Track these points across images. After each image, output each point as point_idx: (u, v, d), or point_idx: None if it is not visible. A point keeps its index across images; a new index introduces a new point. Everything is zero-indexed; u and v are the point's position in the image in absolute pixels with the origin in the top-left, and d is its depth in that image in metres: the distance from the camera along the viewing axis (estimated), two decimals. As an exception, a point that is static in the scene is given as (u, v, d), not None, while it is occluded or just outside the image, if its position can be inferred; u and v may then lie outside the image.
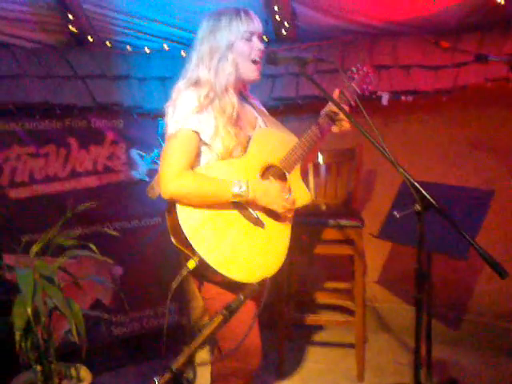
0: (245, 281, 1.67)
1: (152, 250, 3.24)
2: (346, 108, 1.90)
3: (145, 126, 3.23)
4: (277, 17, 2.89)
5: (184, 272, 1.65)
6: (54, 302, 2.06)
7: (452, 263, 3.04)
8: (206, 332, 1.13)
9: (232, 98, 1.80)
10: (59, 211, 3.03)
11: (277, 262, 1.78)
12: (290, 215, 1.84)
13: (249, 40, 1.82)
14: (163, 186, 1.68)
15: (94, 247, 2.41)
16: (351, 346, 3.12)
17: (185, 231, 1.65)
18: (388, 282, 3.38)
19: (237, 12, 1.82)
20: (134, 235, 3.18)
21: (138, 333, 3.17)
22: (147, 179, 3.22)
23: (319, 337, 3.33)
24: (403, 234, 2.56)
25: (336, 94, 1.95)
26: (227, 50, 1.79)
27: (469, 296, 3.19)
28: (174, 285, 1.64)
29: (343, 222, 2.68)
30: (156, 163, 3.24)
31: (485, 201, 2.24)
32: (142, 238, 3.19)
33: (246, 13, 1.84)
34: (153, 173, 3.22)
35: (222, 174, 1.74)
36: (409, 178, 1.46)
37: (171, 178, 1.68)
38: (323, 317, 3.24)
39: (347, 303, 3.18)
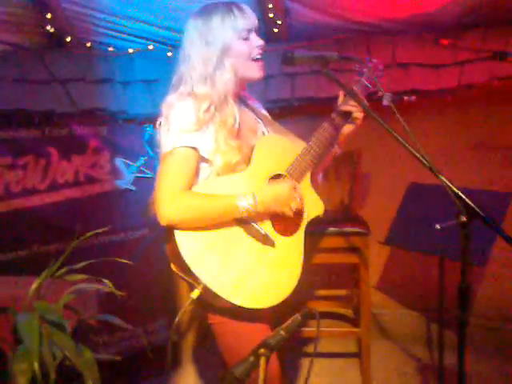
0: (256, 307, 1.52)
1: (140, 263, 3.05)
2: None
3: (130, 132, 3.05)
4: (270, 14, 2.75)
5: (188, 304, 1.50)
6: (64, 351, 1.71)
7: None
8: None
9: (232, 108, 1.62)
10: (38, 227, 2.85)
11: (290, 282, 1.61)
12: (301, 228, 1.68)
13: (246, 39, 1.62)
14: (160, 212, 1.48)
15: (109, 283, 2.13)
16: (353, 355, 3.02)
17: (186, 260, 1.47)
18: (387, 288, 3.28)
19: (229, 8, 1.60)
20: (120, 248, 2.97)
21: (127, 353, 2.97)
22: (133, 188, 3.04)
23: (319, 347, 3.18)
24: (412, 240, 2.49)
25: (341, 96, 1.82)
26: (223, 55, 1.59)
27: (476, 300, 3.12)
28: (177, 319, 1.50)
29: (348, 228, 2.55)
30: (142, 171, 3.06)
31: (503, 204, 2.16)
32: (129, 251, 2.98)
33: (240, 8, 1.62)
34: (139, 181, 3.05)
35: (225, 191, 1.56)
36: (451, 186, 1.34)
37: (168, 202, 1.48)
38: (326, 328, 3.09)
39: (347, 311, 3.08)
